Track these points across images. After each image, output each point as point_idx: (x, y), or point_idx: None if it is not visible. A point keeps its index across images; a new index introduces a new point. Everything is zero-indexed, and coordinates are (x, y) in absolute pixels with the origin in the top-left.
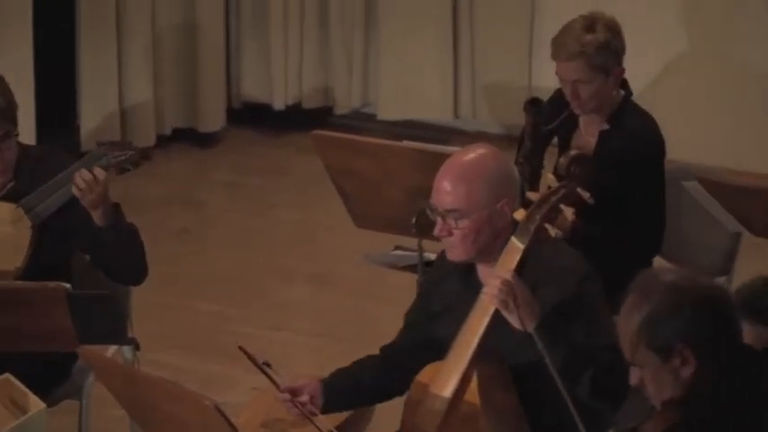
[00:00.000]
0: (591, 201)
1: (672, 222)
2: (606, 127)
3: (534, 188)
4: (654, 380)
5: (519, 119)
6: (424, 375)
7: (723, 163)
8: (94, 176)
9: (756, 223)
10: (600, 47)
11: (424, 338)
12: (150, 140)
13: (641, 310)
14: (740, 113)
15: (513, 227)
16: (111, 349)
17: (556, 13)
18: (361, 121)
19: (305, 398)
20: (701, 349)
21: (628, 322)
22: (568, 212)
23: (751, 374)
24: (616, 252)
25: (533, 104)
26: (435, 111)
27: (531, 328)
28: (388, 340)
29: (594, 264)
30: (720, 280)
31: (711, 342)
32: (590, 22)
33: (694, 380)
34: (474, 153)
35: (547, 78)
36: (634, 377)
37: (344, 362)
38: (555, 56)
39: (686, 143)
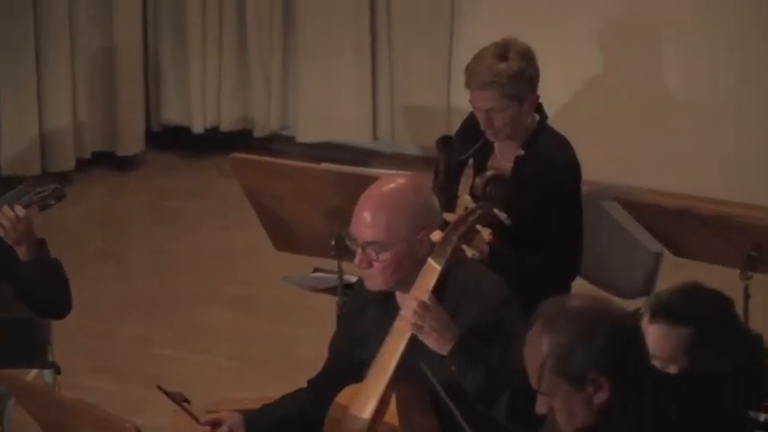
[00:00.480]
0: (507, 221)
1: (592, 243)
2: (521, 152)
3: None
4: (565, 408)
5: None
6: (342, 397)
7: (643, 183)
8: (16, 215)
9: (676, 243)
10: (513, 76)
11: (347, 365)
12: (70, 164)
13: (549, 338)
14: (658, 134)
15: (430, 249)
16: (32, 373)
17: (474, 35)
18: (281, 143)
19: (225, 431)
20: (615, 376)
21: (534, 351)
22: (485, 233)
23: (665, 399)
24: (533, 276)
25: (445, 143)
26: (354, 133)
27: (445, 350)
28: (308, 363)
29: (512, 287)
30: (641, 300)
31: (625, 368)
32: (503, 51)
33: (608, 406)
34: (394, 184)
35: (465, 100)
36: (542, 405)
37: (265, 384)
38: (468, 85)
39: (605, 164)
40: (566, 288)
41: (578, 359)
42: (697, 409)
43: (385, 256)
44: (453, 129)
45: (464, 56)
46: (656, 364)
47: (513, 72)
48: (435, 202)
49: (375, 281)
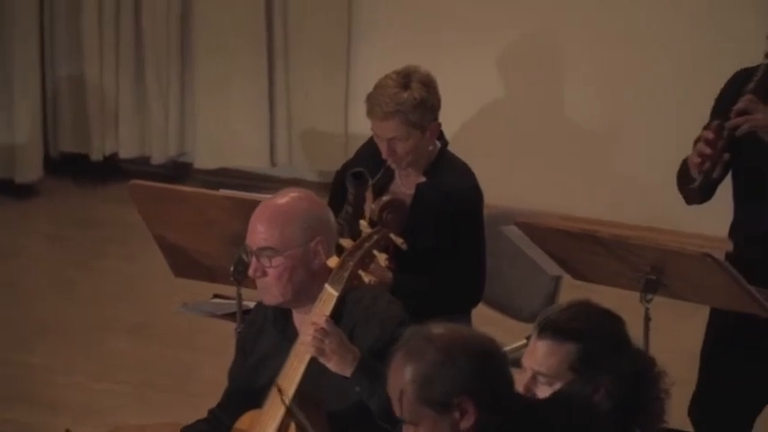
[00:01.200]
0: (404, 246)
1: (492, 267)
2: (423, 180)
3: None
4: None
5: (335, 165)
6: (242, 422)
7: (543, 207)
8: None
9: (576, 266)
10: (416, 105)
11: (246, 391)
12: None
13: (412, 366)
14: (559, 158)
15: (328, 274)
16: None
17: (372, 60)
18: (179, 170)
19: None
20: (480, 400)
21: (397, 380)
22: (381, 258)
23: (532, 424)
24: (436, 301)
25: (357, 177)
26: (252, 159)
27: (348, 372)
28: (209, 389)
29: (414, 312)
30: None
31: (491, 392)
32: (405, 80)
33: (474, 431)
34: (287, 196)
35: (363, 125)
36: None
37: (167, 411)
38: (371, 114)
39: (505, 188)
40: (465, 313)
41: (442, 384)
42: None
43: (278, 261)
44: (351, 153)
45: (361, 81)
46: (542, 380)
47: (416, 101)
48: (331, 215)
49: (271, 292)
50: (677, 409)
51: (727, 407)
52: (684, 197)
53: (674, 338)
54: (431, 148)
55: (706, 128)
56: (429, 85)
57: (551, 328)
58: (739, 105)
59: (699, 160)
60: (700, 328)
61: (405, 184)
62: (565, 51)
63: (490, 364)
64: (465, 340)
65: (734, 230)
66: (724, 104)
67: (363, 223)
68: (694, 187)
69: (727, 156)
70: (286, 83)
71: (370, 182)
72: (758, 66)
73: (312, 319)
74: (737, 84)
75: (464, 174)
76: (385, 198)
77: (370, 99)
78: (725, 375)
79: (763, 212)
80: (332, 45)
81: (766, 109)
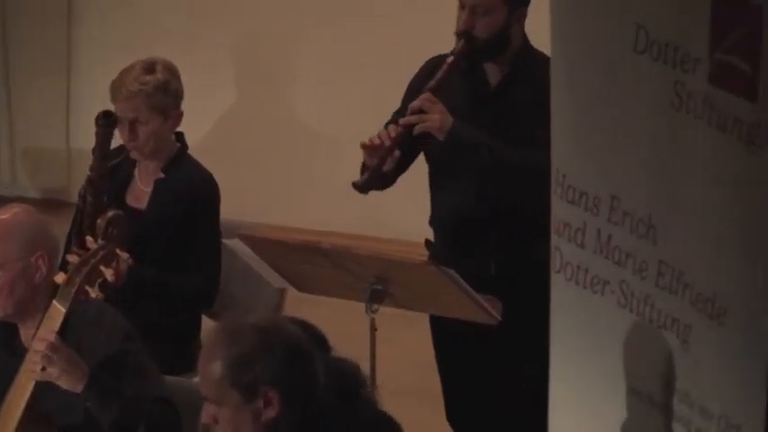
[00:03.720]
0: (130, 261)
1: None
2: (162, 176)
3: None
4: (231, 420)
5: (57, 182)
6: None
7: (268, 219)
8: None
9: (299, 278)
10: (158, 87)
11: None
12: None
13: (229, 348)
14: (283, 169)
15: (55, 290)
16: None
17: (93, 76)
18: None
19: None
20: (286, 394)
21: (211, 358)
22: (108, 273)
23: (330, 424)
24: (172, 297)
25: (106, 117)
26: None
27: (79, 388)
28: None
29: (142, 317)
30: None
31: (298, 388)
32: (149, 65)
33: (275, 424)
34: (8, 211)
35: (85, 141)
36: (207, 415)
37: None
38: (114, 96)
39: (230, 200)
40: (197, 320)
41: (255, 371)
42: None
43: None
44: (74, 170)
45: (83, 97)
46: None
47: (159, 83)
48: (52, 231)
49: None
50: (416, 417)
51: (476, 407)
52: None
53: (402, 349)
54: (172, 141)
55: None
56: (172, 71)
57: None
58: (415, 103)
59: (370, 147)
60: (428, 336)
61: (143, 182)
62: (293, 60)
63: (304, 362)
64: (287, 333)
65: (431, 220)
66: (411, 94)
67: (89, 239)
68: (360, 181)
69: (397, 153)
70: (7, 101)
71: (108, 163)
72: (447, 55)
73: (39, 336)
74: (427, 71)
75: (205, 174)
76: (110, 213)
77: (114, 83)
78: (460, 378)
79: (446, 202)
80: (53, 61)
81: (443, 109)
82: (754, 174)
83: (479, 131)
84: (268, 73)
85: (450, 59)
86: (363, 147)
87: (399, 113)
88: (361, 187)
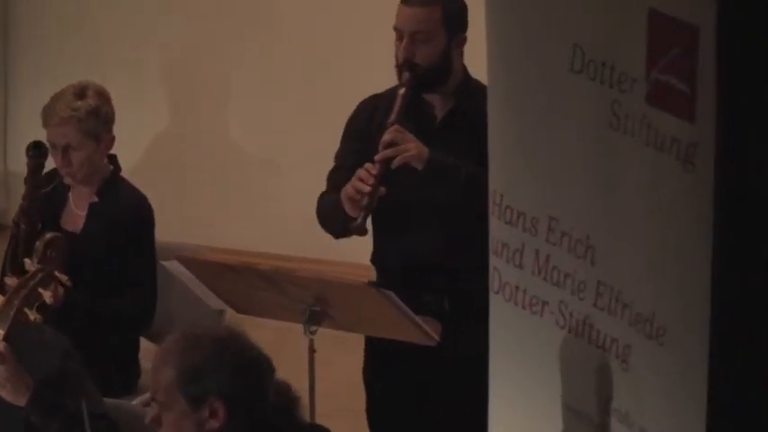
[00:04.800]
0: (69, 283)
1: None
2: (96, 200)
3: (13, 273)
4: (174, 424)
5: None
6: None
7: (206, 241)
8: None
9: (237, 300)
10: (90, 112)
11: None
12: None
13: (184, 354)
14: (222, 190)
15: None
16: None
17: (32, 97)
18: None
19: None
20: (233, 407)
21: (166, 362)
22: (47, 296)
23: None
24: (109, 321)
25: (36, 148)
26: None
27: (22, 402)
28: None
29: (79, 339)
30: None
31: (246, 403)
32: (81, 90)
33: None
34: None
35: (22, 164)
36: (151, 415)
37: None
38: (46, 122)
39: (169, 222)
40: (135, 342)
41: (204, 382)
42: None
43: None
44: (12, 191)
45: (19, 119)
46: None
47: (91, 108)
48: None
49: None
50: None
51: (397, 428)
52: (335, 233)
53: (339, 371)
54: (105, 165)
55: (356, 163)
56: (103, 95)
57: None
58: (386, 137)
59: (358, 197)
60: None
61: (78, 206)
62: (231, 80)
63: (256, 378)
64: (241, 347)
65: (376, 260)
66: (359, 134)
67: (27, 261)
68: (358, 224)
69: (383, 189)
70: None
71: (42, 189)
72: (388, 93)
73: None
74: (368, 111)
75: (140, 196)
76: (48, 236)
77: (46, 109)
78: (386, 398)
79: (404, 246)
80: None
81: (414, 139)
82: (691, 193)
83: (450, 157)
84: (200, 94)
85: (401, 92)
86: (350, 198)
87: (344, 155)
88: (361, 230)
